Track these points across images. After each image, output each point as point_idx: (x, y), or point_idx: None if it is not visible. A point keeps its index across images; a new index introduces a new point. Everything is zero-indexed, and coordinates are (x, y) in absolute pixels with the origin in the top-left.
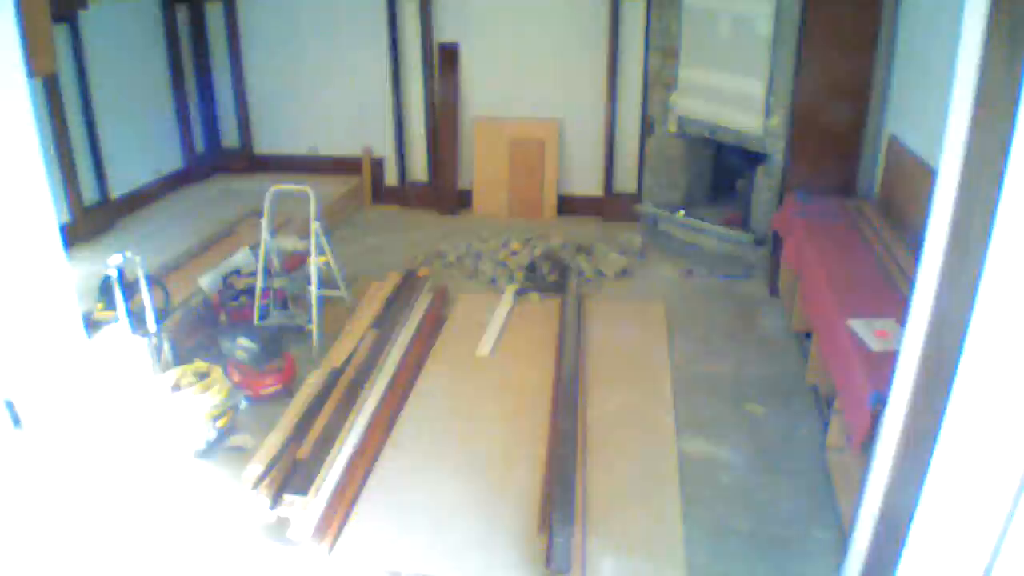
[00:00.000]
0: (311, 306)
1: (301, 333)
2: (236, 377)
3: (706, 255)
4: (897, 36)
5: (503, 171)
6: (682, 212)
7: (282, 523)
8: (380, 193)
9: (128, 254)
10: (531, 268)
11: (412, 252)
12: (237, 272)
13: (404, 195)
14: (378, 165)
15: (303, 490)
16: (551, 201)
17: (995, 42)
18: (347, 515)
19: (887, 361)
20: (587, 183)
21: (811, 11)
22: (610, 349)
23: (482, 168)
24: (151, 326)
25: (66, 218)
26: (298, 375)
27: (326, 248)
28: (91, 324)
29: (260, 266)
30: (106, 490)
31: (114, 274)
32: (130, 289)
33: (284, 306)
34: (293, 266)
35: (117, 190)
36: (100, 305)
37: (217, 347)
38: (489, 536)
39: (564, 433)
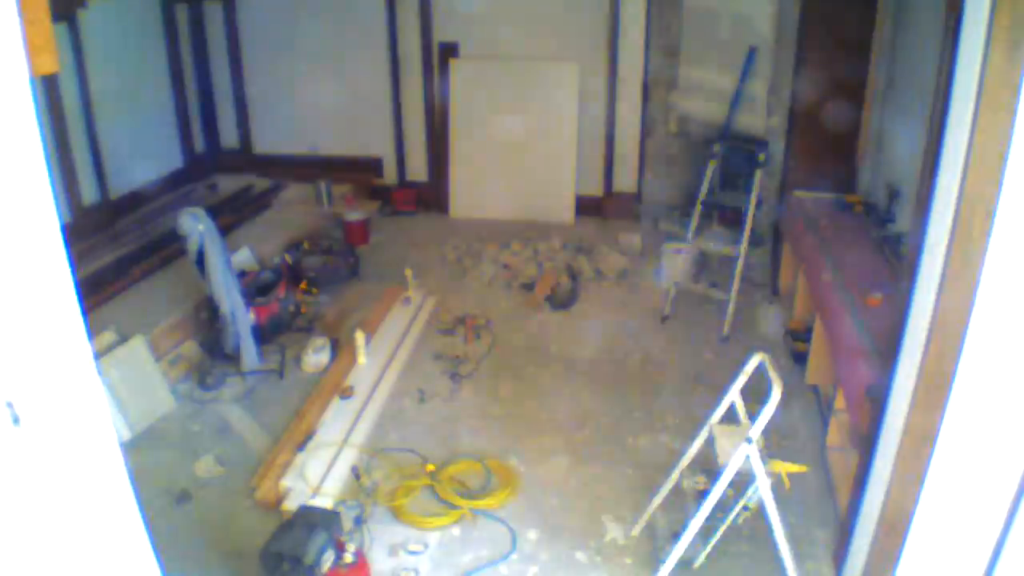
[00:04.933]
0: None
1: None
2: None
3: (706, 255)
4: (896, 36)
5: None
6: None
7: None
8: (379, 192)
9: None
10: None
11: (411, 252)
12: (242, 273)
13: (403, 194)
14: (377, 164)
15: None
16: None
17: (995, 42)
18: None
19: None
20: (587, 183)
21: (810, 11)
22: None
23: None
24: None
25: (66, 218)
26: None
27: None
28: None
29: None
30: (106, 487)
31: None
32: None
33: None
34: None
35: (117, 190)
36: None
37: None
38: None
39: None
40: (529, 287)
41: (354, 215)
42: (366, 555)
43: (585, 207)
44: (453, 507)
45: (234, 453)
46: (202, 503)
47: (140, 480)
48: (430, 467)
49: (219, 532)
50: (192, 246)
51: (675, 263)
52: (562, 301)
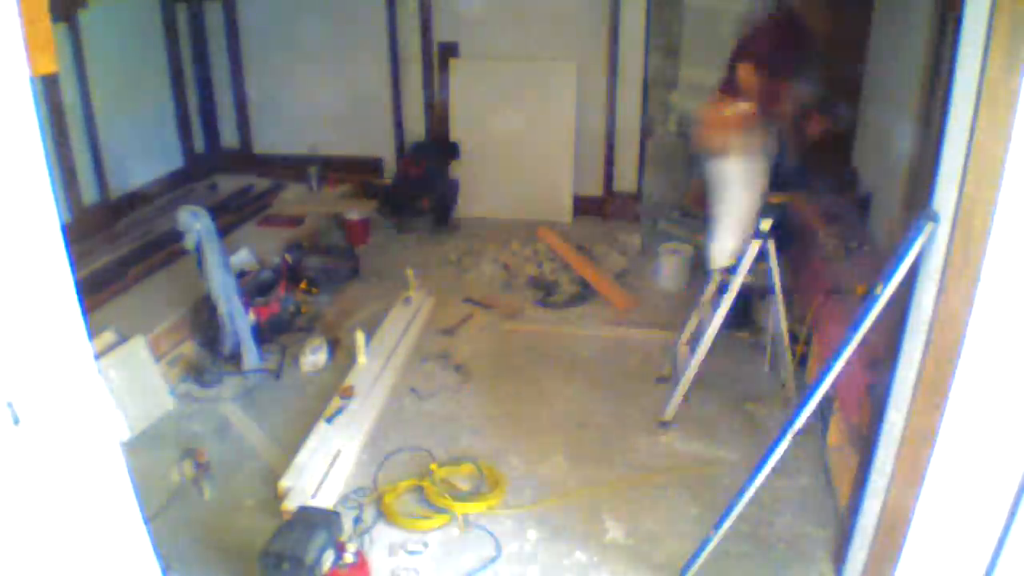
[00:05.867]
0: None
1: None
2: None
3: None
4: (895, 36)
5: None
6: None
7: None
8: (379, 192)
9: None
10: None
11: (411, 252)
12: (242, 272)
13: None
14: (377, 164)
15: None
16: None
17: (995, 42)
18: None
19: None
20: (587, 182)
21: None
22: None
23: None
24: None
25: (66, 218)
26: None
27: None
28: None
29: None
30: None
31: None
32: None
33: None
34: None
35: (117, 190)
36: None
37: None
38: None
39: None
40: (533, 286)
41: (354, 215)
42: (366, 555)
43: (585, 207)
44: (450, 508)
45: (234, 452)
46: (202, 502)
47: (140, 480)
48: (434, 466)
49: (219, 532)
50: (190, 244)
51: (672, 263)
52: (558, 303)
